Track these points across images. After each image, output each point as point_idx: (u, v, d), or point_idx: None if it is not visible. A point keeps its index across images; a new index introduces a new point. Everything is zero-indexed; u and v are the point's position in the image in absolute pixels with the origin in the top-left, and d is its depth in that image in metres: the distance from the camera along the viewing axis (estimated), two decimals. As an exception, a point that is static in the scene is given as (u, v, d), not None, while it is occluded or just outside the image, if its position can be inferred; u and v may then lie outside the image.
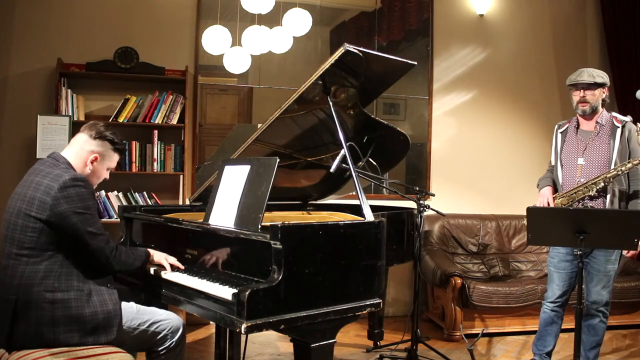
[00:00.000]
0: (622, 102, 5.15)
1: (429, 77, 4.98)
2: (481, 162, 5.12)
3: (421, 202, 3.34)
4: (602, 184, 3.00)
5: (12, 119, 4.19)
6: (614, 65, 5.23)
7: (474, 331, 4.10)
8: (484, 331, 4.13)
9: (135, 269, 2.29)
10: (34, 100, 4.18)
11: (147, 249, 2.39)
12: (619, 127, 3.06)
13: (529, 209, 2.81)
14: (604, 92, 3.12)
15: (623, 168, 2.97)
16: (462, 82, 5.10)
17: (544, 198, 3.19)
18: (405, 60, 2.61)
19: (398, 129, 3.03)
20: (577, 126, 3.20)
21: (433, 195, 3.59)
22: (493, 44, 5.16)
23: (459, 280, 4.03)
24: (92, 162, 2.23)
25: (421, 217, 3.33)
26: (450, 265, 4.32)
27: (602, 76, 3.09)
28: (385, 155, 3.12)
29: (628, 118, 3.09)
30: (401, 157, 3.30)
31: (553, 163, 3.30)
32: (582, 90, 3.09)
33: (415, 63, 2.64)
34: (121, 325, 2.12)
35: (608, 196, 3.03)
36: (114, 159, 2.32)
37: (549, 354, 3.30)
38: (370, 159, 3.10)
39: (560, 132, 3.27)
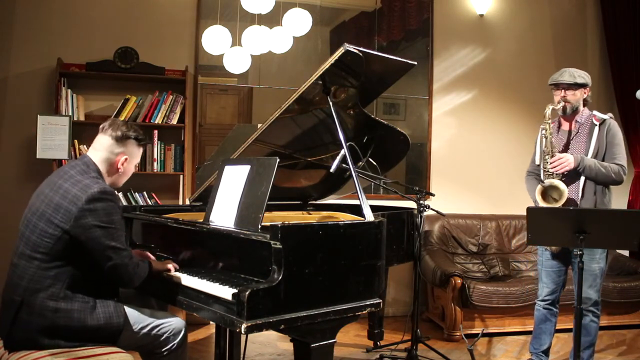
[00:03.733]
0: (622, 102, 5.15)
1: (429, 77, 4.98)
2: (481, 162, 5.12)
3: (421, 202, 3.34)
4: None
5: (12, 119, 4.18)
6: (614, 65, 5.23)
7: (474, 331, 4.10)
8: (484, 331, 4.13)
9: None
10: (34, 100, 4.18)
11: (148, 262, 2.31)
12: (597, 124, 3.10)
13: (529, 209, 2.81)
14: (585, 93, 3.15)
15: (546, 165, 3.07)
16: (462, 82, 5.10)
17: None
18: (405, 60, 2.61)
19: (398, 129, 3.03)
20: (559, 126, 3.25)
21: (433, 195, 3.59)
22: (493, 44, 5.16)
23: (459, 280, 4.02)
24: (122, 164, 2.27)
25: (421, 217, 3.33)
26: (450, 265, 4.32)
27: (583, 77, 3.12)
28: (385, 155, 3.12)
29: (607, 115, 3.11)
30: (401, 157, 3.30)
31: (537, 163, 3.32)
32: (563, 90, 3.13)
33: (415, 63, 2.64)
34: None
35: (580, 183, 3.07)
36: (139, 154, 2.37)
37: (546, 352, 3.31)
38: (370, 159, 3.10)
39: None
